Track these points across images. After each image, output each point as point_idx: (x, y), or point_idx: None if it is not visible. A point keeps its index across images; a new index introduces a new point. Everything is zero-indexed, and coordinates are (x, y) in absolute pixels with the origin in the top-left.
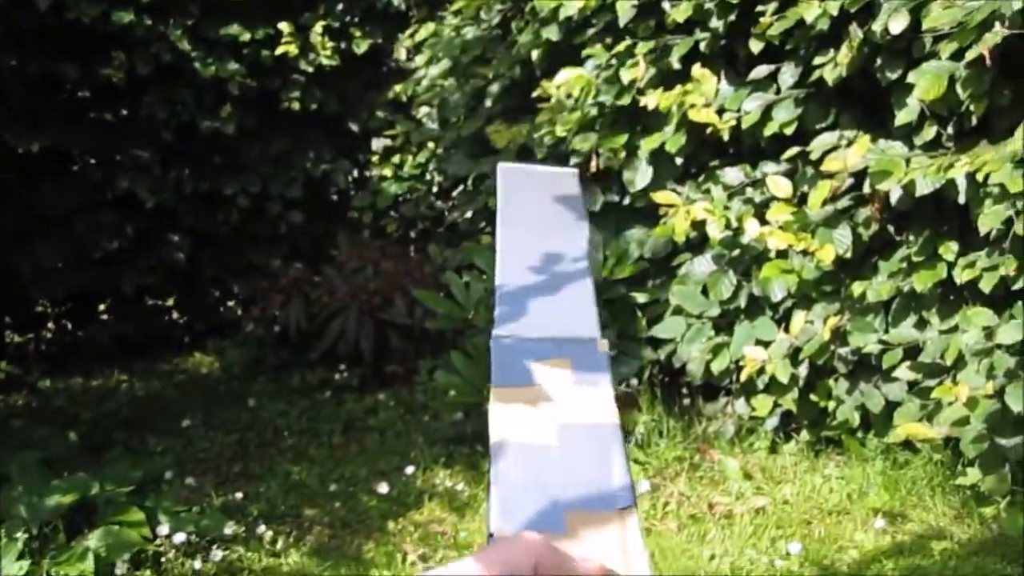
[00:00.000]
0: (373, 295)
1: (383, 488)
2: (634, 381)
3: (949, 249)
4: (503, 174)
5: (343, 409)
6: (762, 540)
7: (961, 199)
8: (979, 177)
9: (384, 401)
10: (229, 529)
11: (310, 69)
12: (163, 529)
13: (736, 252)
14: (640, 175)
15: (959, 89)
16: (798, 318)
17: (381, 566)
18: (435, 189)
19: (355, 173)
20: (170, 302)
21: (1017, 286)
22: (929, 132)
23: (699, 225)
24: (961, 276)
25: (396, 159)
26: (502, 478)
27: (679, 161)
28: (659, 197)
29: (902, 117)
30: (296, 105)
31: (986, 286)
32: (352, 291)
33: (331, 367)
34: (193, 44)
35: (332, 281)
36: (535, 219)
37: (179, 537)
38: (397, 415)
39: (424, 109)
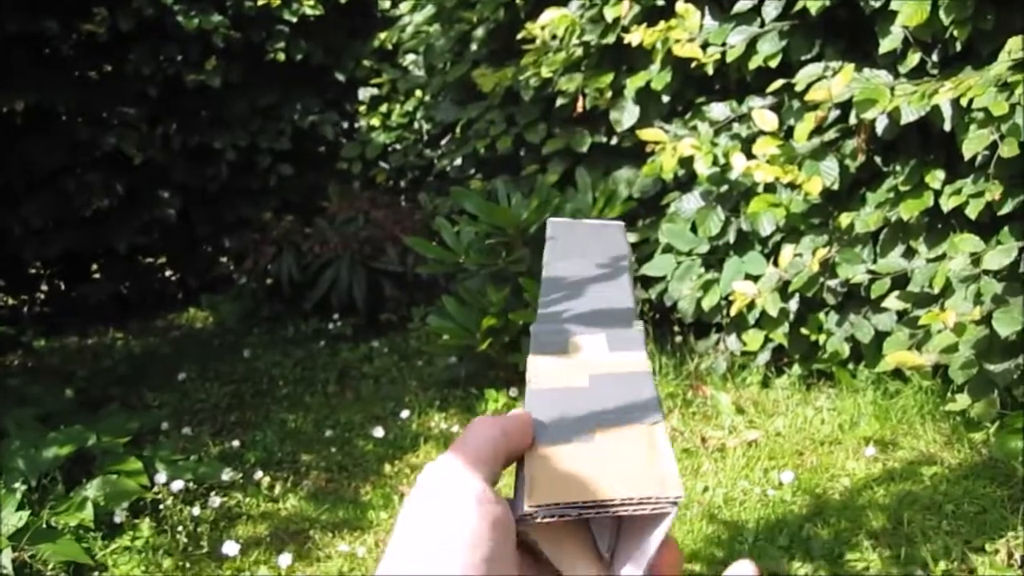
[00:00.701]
0: (364, 244)
1: (379, 432)
2: None
3: (935, 177)
4: (552, 226)
5: (338, 358)
6: (755, 471)
7: (947, 126)
8: (963, 102)
9: (378, 348)
10: (226, 476)
11: (294, 19)
12: (160, 477)
13: (724, 188)
14: (627, 114)
15: (942, 15)
16: (787, 251)
17: (378, 508)
18: (424, 137)
19: (343, 123)
20: (163, 259)
21: (1003, 211)
22: (913, 59)
23: (687, 162)
24: (947, 203)
25: (384, 108)
26: (531, 406)
27: (665, 99)
28: (645, 135)
29: (886, 45)
30: (281, 56)
31: (972, 212)
32: (343, 241)
33: (325, 317)
34: None
35: (323, 232)
36: (578, 252)
37: (177, 485)
38: (391, 362)
39: (410, 57)
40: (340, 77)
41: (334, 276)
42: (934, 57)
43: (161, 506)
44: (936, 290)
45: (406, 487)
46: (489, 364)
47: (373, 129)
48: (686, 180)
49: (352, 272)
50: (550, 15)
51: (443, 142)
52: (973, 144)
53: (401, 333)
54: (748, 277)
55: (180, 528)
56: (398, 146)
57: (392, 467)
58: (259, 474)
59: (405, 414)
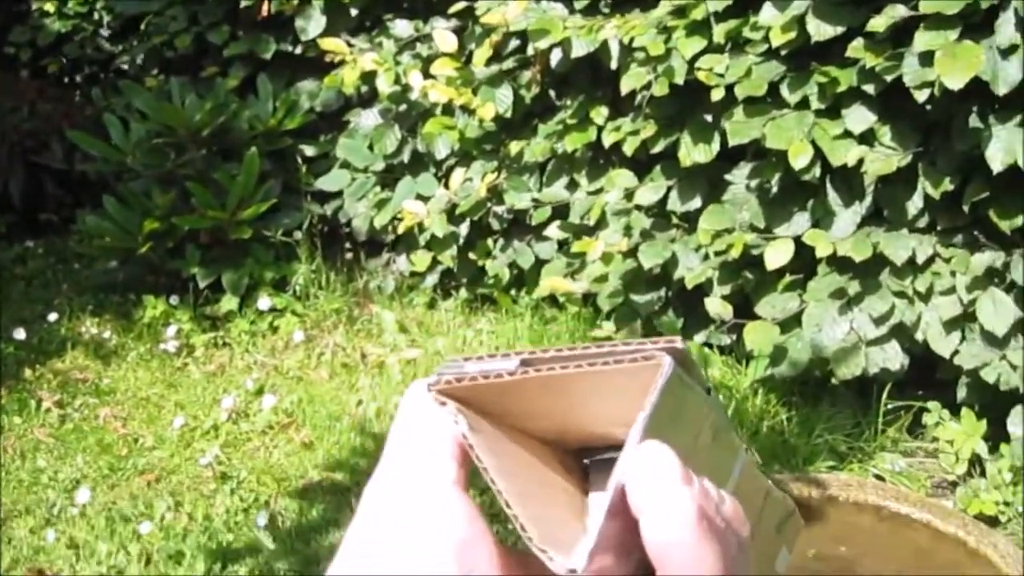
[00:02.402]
0: (26, 137)
1: (20, 335)
2: (296, 233)
3: (600, 113)
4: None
5: None
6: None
7: (613, 64)
8: (625, 40)
9: (33, 249)
10: None
11: None
12: None
13: (403, 107)
14: (313, 23)
15: None
16: (457, 175)
17: (12, 413)
18: (104, 29)
19: (12, 6)
20: None
21: (656, 149)
22: None
23: (369, 78)
24: (608, 139)
25: None
26: None
27: (354, 12)
28: (326, 44)
29: None
30: None
31: (628, 149)
32: (1, 133)
33: None
34: None
35: None
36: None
37: None
38: (47, 264)
39: None
40: None
41: None
42: None
43: None
44: (593, 221)
45: (46, 392)
46: (150, 269)
47: (46, 15)
48: (369, 97)
49: (11, 166)
50: None
51: (131, 37)
52: (631, 81)
53: (62, 235)
54: (420, 198)
55: None
56: (75, 37)
57: (33, 372)
58: None
59: (53, 317)
